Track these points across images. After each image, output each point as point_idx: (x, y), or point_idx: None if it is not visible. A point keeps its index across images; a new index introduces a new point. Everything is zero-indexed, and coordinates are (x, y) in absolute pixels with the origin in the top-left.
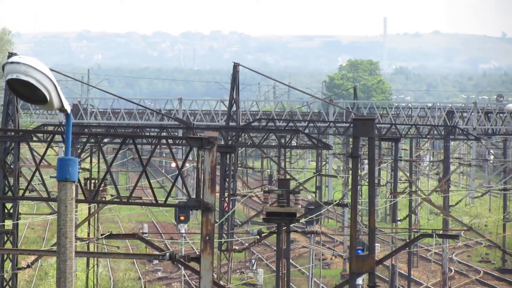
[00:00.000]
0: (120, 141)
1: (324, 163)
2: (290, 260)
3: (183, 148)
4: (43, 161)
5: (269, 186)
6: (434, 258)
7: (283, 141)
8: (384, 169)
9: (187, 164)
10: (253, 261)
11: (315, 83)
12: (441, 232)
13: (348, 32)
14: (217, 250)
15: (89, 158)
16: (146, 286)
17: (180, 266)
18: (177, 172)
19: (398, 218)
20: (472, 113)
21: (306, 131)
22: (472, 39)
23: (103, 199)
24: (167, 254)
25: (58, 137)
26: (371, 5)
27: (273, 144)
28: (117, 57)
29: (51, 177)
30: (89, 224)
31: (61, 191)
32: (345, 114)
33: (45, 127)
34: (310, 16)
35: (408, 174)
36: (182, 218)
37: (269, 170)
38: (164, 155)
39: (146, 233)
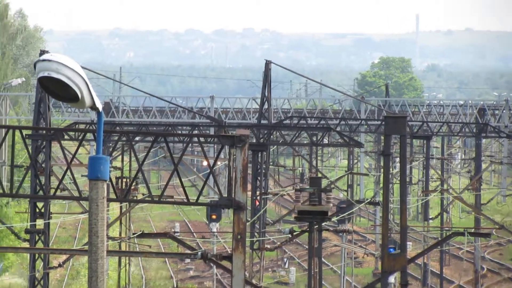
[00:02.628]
0: (151, 139)
1: (355, 161)
2: (322, 259)
3: (215, 146)
4: (74, 159)
5: (300, 185)
6: (466, 257)
7: (314, 139)
8: (416, 167)
9: (218, 163)
10: (285, 259)
11: (347, 80)
12: (473, 230)
13: (380, 30)
14: (249, 249)
15: (120, 157)
16: (178, 285)
17: (212, 265)
18: (209, 171)
19: (430, 217)
20: (504, 111)
21: (338, 129)
22: (504, 36)
23: (135, 198)
24: (199, 253)
25: (89, 136)
26: (403, 3)
27: (305, 142)
28: (149, 55)
29: (82, 175)
30: (120, 223)
31: (92, 190)
32: (376, 111)
33: (77, 126)
34: (342, 13)
35: (439, 172)
36: (213, 217)
37: (300, 169)
38: (195, 153)
39: (177, 232)
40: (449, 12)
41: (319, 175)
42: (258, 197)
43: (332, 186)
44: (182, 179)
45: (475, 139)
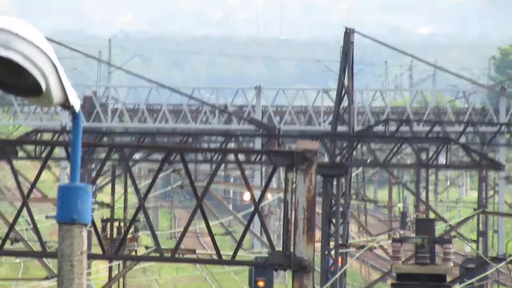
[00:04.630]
0: (161, 158)
1: (491, 192)
2: None
3: (263, 169)
4: (34, 190)
5: (401, 232)
6: None
7: (424, 157)
8: None
9: (268, 196)
10: None
11: (478, 60)
12: None
13: None
14: None
15: (110, 186)
16: None
17: None
18: (253, 209)
19: None
20: None
21: (462, 140)
22: None
23: (133, 253)
24: None
25: (59, 152)
26: None
27: (408, 162)
28: (157, 20)
29: (47, 217)
30: None
31: (64, 241)
32: None
33: (39, 136)
34: None
35: None
36: (261, 283)
37: (401, 205)
38: (232, 180)
39: None
40: None
41: (432, 215)
42: (333, 252)
43: (454, 233)
44: (210, 223)
45: None
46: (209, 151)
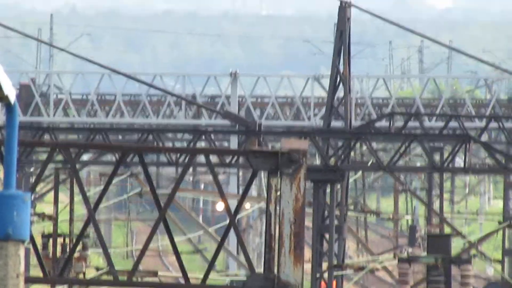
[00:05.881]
0: (115, 159)
1: None
2: None
3: (240, 174)
4: None
5: (409, 250)
6: None
7: (437, 158)
8: None
9: (247, 206)
10: None
11: (501, 41)
12: None
13: None
14: None
15: (52, 194)
16: None
17: None
18: (228, 222)
19: None
20: None
21: (484, 138)
22: None
23: (81, 276)
24: None
25: None
26: None
27: (418, 165)
28: None
29: None
30: None
31: None
32: None
33: None
34: None
35: None
36: None
37: (409, 217)
38: (202, 187)
39: None
40: None
41: (447, 230)
42: (326, 275)
43: (474, 252)
44: (176, 239)
45: None
46: (174, 151)
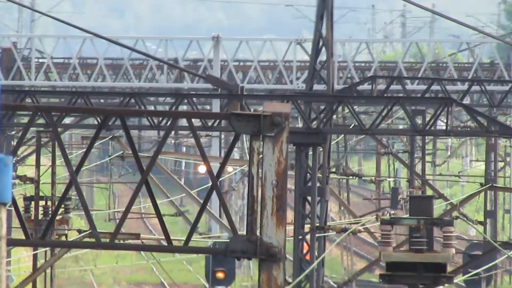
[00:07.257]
0: (97, 123)
1: (501, 164)
2: None
3: (222, 137)
4: None
5: (392, 212)
6: None
7: (419, 121)
8: None
9: (229, 169)
10: None
11: (484, 5)
12: None
13: None
14: None
15: (34, 157)
16: None
17: None
18: (211, 184)
19: None
20: None
21: (466, 101)
22: None
23: (63, 238)
24: None
25: None
26: None
27: (400, 127)
28: None
29: None
30: None
31: None
32: None
33: None
34: None
35: None
36: (220, 275)
37: (391, 179)
38: (184, 150)
39: None
40: None
41: (429, 192)
42: (308, 237)
43: (456, 214)
44: (158, 201)
45: None
46: (156, 114)
